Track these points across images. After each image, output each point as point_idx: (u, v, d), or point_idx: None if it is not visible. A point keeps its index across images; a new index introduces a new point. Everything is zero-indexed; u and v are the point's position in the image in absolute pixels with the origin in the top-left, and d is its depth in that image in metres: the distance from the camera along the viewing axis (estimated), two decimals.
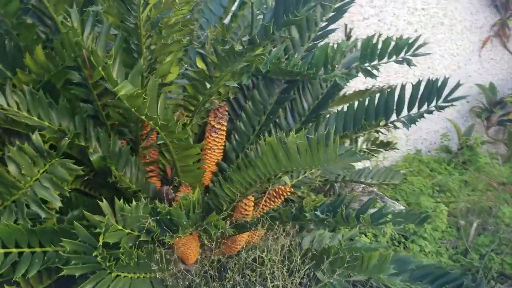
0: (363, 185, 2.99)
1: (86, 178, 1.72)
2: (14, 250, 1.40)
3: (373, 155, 2.53)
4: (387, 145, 2.43)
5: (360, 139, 2.52)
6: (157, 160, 1.94)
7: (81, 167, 1.53)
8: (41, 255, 1.44)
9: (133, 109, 1.31)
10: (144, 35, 1.27)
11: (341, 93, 2.79)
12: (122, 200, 1.49)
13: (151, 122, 1.37)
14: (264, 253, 1.52)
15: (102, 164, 1.62)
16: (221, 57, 1.31)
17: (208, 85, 1.47)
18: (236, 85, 1.56)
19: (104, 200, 1.40)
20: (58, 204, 1.40)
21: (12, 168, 1.35)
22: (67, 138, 1.41)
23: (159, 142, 1.59)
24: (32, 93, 1.43)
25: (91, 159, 1.59)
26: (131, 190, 1.78)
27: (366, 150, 2.56)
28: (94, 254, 1.23)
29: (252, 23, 1.22)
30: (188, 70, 1.48)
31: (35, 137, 1.36)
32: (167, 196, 1.90)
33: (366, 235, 2.48)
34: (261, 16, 1.36)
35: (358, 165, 3.24)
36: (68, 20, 1.16)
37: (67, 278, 1.40)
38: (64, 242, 1.28)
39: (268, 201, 2.15)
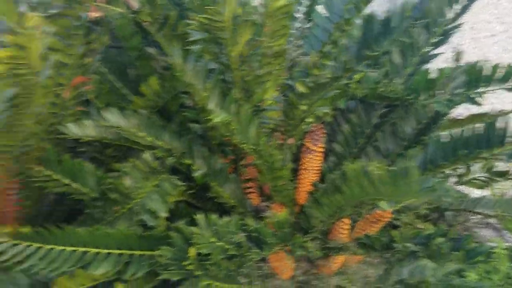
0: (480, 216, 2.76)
1: (191, 192, 1.91)
2: (127, 252, 1.63)
3: (489, 184, 2.34)
4: (503, 175, 2.24)
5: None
6: (256, 178, 2.06)
7: (186, 183, 1.71)
8: (148, 258, 1.64)
9: (226, 134, 1.44)
10: (235, 68, 1.40)
11: (454, 115, 2.64)
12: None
13: (242, 145, 1.49)
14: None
15: (204, 180, 1.80)
16: (307, 87, 1.38)
17: (297, 112, 1.55)
18: (327, 110, 1.61)
19: (198, 214, 1.55)
20: (163, 214, 1.59)
21: (126, 181, 1.57)
22: (171, 158, 1.59)
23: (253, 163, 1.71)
24: (148, 117, 1.66)
25: (194, 176, 1.77)
26: (230, 204, 1.92)
27: (481, 178, 2.39)
28: (184, 263, 1.38)
29: (337, 57, 1.27)
30: (277, 97, 1.57)
31: (146, 155, 1.58)
32: (262, 212, 2.02)
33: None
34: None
35: (476, 193, 2.99)
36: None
37: (167, 282, 1.58)
38: (163, 250, 1.46)
39: (365, 225, 2.13)
